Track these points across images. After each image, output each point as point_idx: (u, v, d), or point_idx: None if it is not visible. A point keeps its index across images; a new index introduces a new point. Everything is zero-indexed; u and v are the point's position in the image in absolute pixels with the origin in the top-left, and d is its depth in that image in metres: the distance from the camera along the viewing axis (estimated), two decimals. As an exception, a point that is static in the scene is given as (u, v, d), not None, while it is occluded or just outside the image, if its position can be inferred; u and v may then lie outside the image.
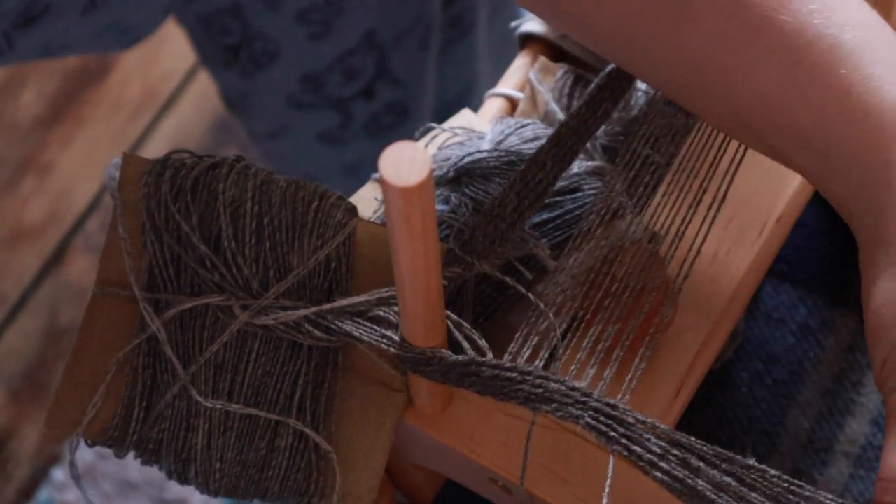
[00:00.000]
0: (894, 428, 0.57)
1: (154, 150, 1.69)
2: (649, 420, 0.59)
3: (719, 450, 0.59)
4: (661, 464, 0.58)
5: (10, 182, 1.68)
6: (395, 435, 0.66)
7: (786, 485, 0.58)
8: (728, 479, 0.58)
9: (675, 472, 0.58)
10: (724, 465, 0.58)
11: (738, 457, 0.58)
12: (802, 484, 0.58)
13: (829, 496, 0.57)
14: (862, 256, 0.60)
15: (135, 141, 1.71)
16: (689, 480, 0.58)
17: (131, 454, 0.68)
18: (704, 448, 0.59)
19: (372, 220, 0.71)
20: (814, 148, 0.60)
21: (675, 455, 0.58)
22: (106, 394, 0.67)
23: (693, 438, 0.59)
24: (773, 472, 0.58)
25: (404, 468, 0.72)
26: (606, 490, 0.59)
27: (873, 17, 0.61)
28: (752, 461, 0.58)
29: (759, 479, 0.58)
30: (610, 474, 0.60)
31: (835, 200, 0.61)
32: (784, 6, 0.60)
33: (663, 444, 0.59)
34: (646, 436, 0.59)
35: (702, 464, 0.58)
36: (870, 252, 0.59)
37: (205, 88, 1.70)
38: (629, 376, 0.63)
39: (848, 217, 0.61)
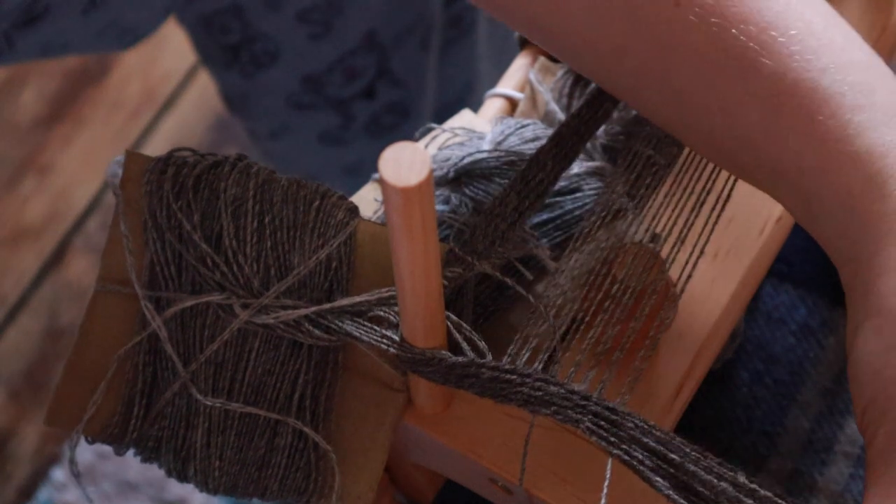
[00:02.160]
0: (874, 479, 0.56)
1: (154, 150, 1.69)
2: (648, 424, 0.60)
3: (714, 462, 0.58)
4: (660, 471, 0.59)
5: (10, 182, 1.68)
6: (394, 435, 0.66)
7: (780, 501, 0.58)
8: (724, 485, 0.58)
9: (673, 481, 0.58)
10: (721, 474, 0.58)
11: (730, 473, 0.58)
12: (796, 501, 0.58)
13: None
14: (847, 302, 0.60)
15: (135, 141, 1.71)
16: (686, 489, 0.58)
17: (131, 452, 0.68)
18: (700, 458, 0.58)
19: (372, 220, 0.71)
20: (795, 193, 0.60)
21: (672, 462, 0.58)
22: (106, 391, 0.67)
23: (690, 446, 0.59)
24: (763, 491, 0.58)
25: (404, 468, 0.72)
26: (604, 491, 0.59)
27: (860, 58, 0.60)
28: (742, 478, 0.58)
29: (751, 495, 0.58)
30: (608, 476, 0.60)
31: (821, 244, 0.60)
32: (765, 48, 0.59)
33: (662, 449, 0.59)
34: (645, 440, 0.59)
35: (699, 470, 0.58)
36: (852, 301, 0.59)
37: (205, 88, 1.70)
38: (629, 377, 0.63)
39: (834, 262, 0.60)
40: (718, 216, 0.68)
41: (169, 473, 0.67)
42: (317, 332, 0.64)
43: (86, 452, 1.49)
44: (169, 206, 0.65)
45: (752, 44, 0.59)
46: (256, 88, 1.17)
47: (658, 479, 0.58)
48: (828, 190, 0.58)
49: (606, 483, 0.59)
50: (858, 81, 0.59)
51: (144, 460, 0.68)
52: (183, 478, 0.67)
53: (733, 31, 0.59)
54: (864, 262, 0.58)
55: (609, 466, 0.59)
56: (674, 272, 0.67)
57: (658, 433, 0.59)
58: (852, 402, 0.59)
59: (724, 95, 0.60)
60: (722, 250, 0.70)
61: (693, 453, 0.58)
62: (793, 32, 0.59)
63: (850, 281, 0.59)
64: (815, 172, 0.58)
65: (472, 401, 0.66)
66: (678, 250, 0.67)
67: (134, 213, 0.67)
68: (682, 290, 0.67)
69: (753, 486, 0.58)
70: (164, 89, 1.73)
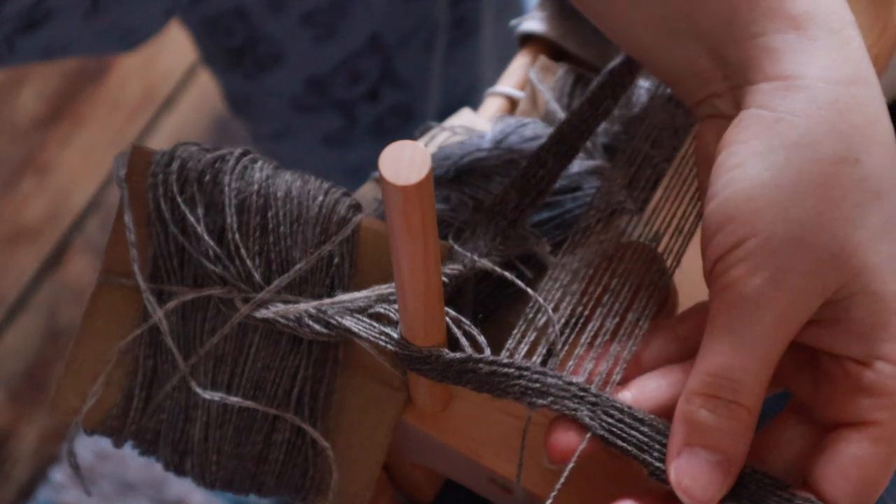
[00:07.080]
0: (723, 328, 0.58)
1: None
2: (646, 415, 0.60)
3: None
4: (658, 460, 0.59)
5: (10, 182, 1.68)
6: (393, 434, 0.66)
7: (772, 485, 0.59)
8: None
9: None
10: None
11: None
12: (789, 485, 0.59)
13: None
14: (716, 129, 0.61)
15: (134, 141, 1.71)
16: None
17: (130, 452, 0.68)
18: None
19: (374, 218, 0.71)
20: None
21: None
22: (106, 383, 0.67)
23: None
24: (769, 477, 0.59)
25: (404, 467, 0.72)
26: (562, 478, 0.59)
27: None
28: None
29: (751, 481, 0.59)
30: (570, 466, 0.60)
31: (699, 51, 0.61)
32: None
33: (660, 438, 0.59)
34: (642, 429, 0.59)
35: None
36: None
37: (205, 88, 1.70)
38: (617, 369, 0.63)
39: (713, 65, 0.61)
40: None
41: (166, 467, 0.67)
42: (317, 327, 0.64)
43: (85, 453, 1.49)
44: (173, 200, 0.65)
45: None
46: (260, 90, 1.17)
47: (658, 465, 0.59)
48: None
49: (569, 469, 0.60)
50: None
51: (142, 453, 0.68)
52: (180, 471, 0.67)
53: None
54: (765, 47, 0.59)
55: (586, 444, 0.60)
56: (672, 267, 0.67)
57: (657, 423, 0.59)
58: (708, 241, 0.59)
59: None
60: (721, 250, 0.70)
61: None
62: None
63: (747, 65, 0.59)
64: None
65: (472, 400, 0.66)
66: (677, 246, 0.67)
67: (138, 207, 0.67)
68: (680, 286, 0.67)
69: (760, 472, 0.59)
70: (164, 89, 1.73)
